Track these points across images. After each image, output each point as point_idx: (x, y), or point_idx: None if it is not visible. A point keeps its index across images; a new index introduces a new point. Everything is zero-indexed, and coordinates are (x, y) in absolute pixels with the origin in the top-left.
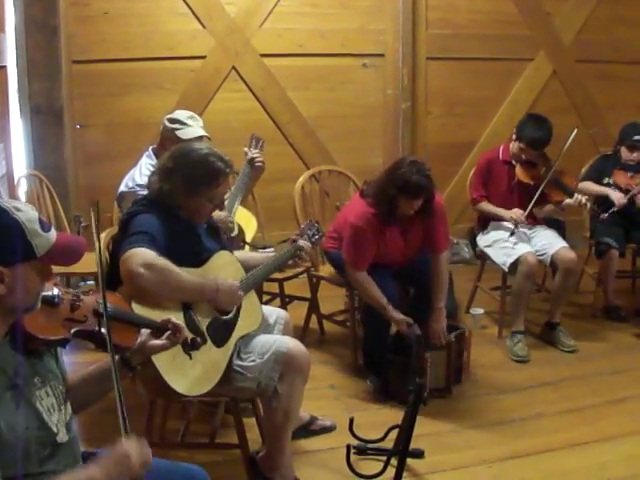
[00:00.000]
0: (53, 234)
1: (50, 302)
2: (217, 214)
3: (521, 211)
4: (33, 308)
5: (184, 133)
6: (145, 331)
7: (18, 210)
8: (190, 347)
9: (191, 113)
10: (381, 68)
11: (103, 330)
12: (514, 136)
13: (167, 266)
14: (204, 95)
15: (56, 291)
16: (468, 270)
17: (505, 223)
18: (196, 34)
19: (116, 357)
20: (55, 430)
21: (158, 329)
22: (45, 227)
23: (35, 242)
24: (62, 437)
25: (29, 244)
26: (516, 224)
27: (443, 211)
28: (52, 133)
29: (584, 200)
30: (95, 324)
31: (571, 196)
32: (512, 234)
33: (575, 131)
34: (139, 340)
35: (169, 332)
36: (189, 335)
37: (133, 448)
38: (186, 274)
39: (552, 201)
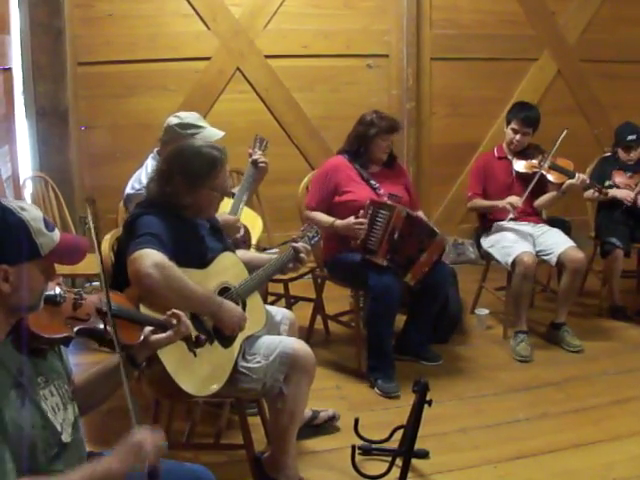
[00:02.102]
0: (57, 234)
1: (53, 301)
2: (224, 218)
3: (517, 197)
4: (36, 307)
5: (206, 136)
6: (148, 327)
7: (23, 209)
8: (195, 344)
9: (196, 114)
10: (385, 69)
11: (108, 328)
12: (505, 126)
13: (176, 272)
14: (209, 96)
15: (58, 290)
16: (473, 270)
17: (505, 223)
18: (200, 35)
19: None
20: (59, 429)
21: (159, 326)
22: (49, 226)
23: (40, 241)
24: (67, 437)
25: (34, 243)
26: (514, 208)
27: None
28: (57, 135)
29: (587, 178)
30: (98, 322)
31: (572, 177)
32: (511, 219)
33: (565, 132)
34: (142, 336)
35: (173, 324)
36: (194, 332)
37: (145, 436)
38: (193, 283)
39: (553, 188)
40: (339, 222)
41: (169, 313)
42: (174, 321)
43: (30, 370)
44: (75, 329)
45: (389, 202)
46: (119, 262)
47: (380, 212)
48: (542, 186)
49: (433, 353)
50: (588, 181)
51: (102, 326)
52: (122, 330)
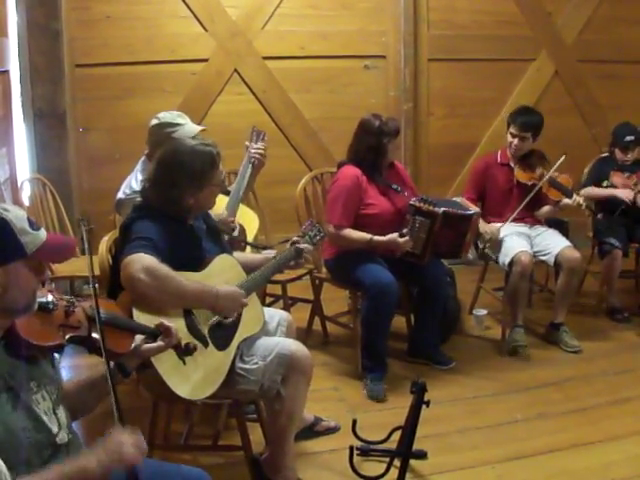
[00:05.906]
0: (43, 232)
1: (45, 308)
2: (218, 215)
3: (498, 226)
4: (31, 307)
5: (184, 133)
6: (139, 336)
7: (5, 210)
8: (183, 352)
9: (177, 112)
10: (383, 69)
11: (95, 335)
12: (506, 129)
13: (168, 273)
14: (206, 98)
15: (50, 297)
16: (471, 271)
17: (497, 224)
18: (198, 37)
19: (111, 363)
20: (55, 431)
21: (151, 334)
22: (34, 226)
23: (24, 240)
24: (63, 437)
25: (19, 242)
26: (489, 239)
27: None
28: (55, 137)
29: (582, 201)
30: (87, 330)
31: (569, 196)
32: (483, 249)
33: (563, 157)
34: (133, 345)
35: (162, 335)
36: (183, 340)
37: (125, 436)
38: (186, 281)
39: (550, 202)
40: (378, 238)
41: (157, 324)
42: (162, 329)
43: (22, 374)
44: (67, 337)
45: (430, 208)
46: (116, 265)
47: (421, 219)
48: (540, 197)
49: (445, 357)
50: (584, 206)
51: (91, 333)
52: (112, 338)
